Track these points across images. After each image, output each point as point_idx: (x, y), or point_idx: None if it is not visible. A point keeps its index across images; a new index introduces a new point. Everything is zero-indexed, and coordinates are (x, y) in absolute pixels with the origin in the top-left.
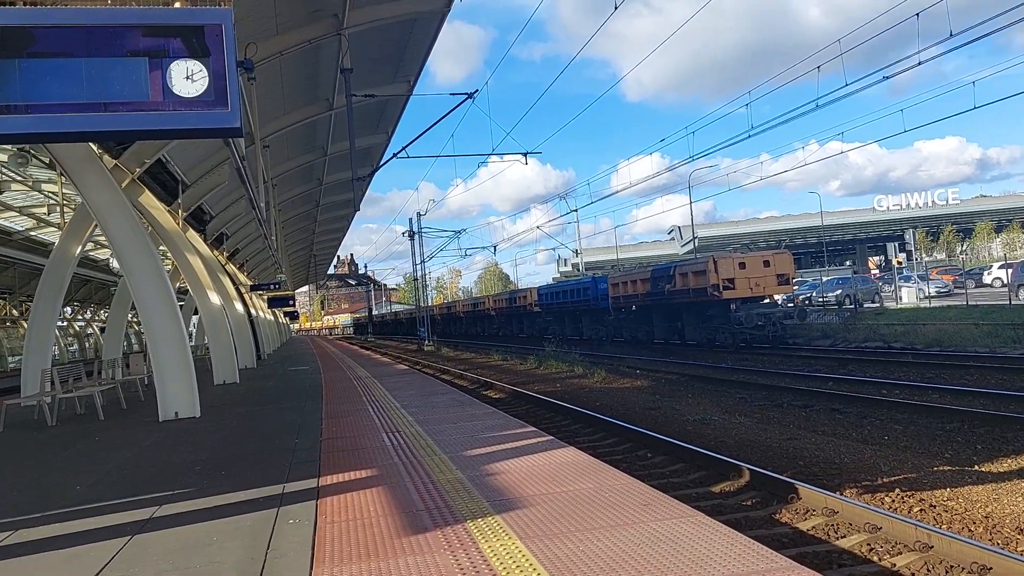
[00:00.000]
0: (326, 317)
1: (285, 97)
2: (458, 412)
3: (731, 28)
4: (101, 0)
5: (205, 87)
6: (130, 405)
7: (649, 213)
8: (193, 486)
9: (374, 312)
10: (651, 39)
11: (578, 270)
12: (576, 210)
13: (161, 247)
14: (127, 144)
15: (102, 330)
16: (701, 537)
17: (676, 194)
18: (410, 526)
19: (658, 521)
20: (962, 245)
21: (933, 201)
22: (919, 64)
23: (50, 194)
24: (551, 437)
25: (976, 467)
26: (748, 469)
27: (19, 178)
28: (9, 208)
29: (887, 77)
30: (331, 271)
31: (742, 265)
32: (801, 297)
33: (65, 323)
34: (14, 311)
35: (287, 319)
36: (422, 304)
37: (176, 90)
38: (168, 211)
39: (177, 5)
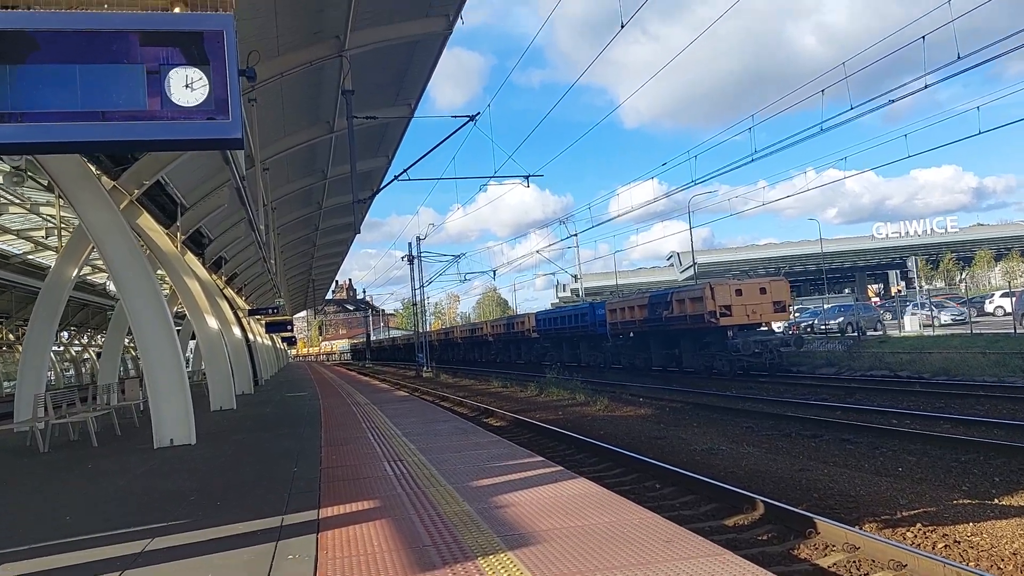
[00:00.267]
0: (324, 342)
1: (286, 119)
2: (461, 440)
3: (727, 56)
4: (96, 4)
5: (205, 96)
6: (125, 431)
7: (648, 239)
8: (188, 517)
9: (372, 338)
10: (648, 66)
11: (577, 295)
12: (576, 234)
13: (159, 270)
14: (126, 165)
15: (99, 355)
16: None
17: (674, 220)
18: (417, 563)
19: (683, 560)
20: (961, 273)
21: (932, 229)
22: (925, 87)
23: (48, 217)
24: (560, 467)
25: (997, 500)
26: (762, 501)
27: (16, 200)
28: (7, 231)
29: (892, 101)
30: (329, 296)
31: (739, 292)
32: (803, 325)
33: (62, 348)
34: (10, 335)
35: (285, 344)
36: (420, 330)
37: (175, 99)
38: (166, 234)
39: (176, 10)
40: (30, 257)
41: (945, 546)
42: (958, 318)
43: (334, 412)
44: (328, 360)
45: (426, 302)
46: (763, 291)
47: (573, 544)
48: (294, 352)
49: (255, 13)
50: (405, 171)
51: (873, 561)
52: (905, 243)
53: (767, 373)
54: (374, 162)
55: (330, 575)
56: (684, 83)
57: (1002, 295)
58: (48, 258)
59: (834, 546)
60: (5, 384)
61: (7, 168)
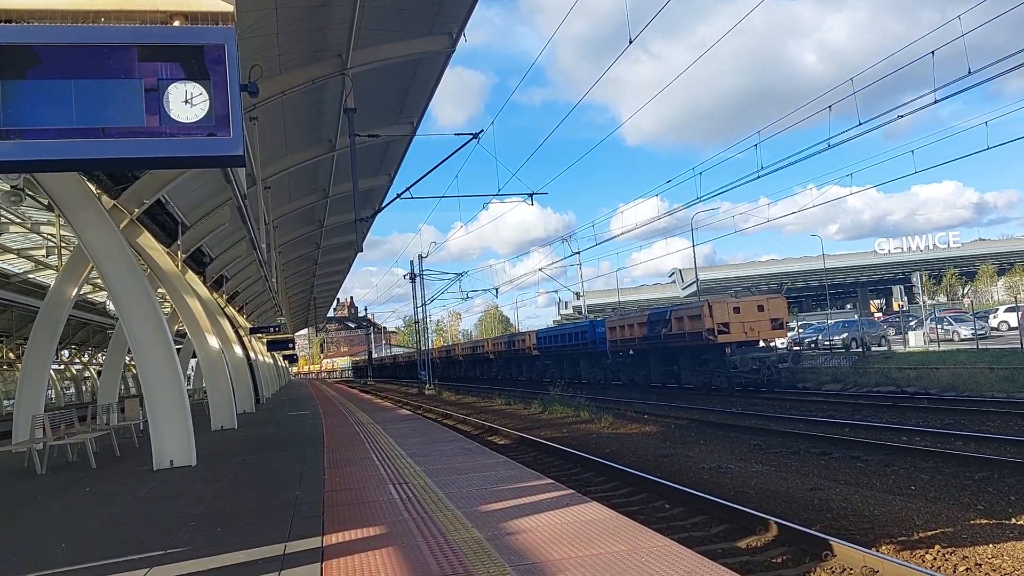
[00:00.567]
0: (325, 360)
1: (287, 137)
2: (468, 461)
3: (728, 75)
4: (93, 18)
5: (205, 112)
6: (124, 452)
7: (649, 256)
8: (187, 544)
9: (374, 355)
10: (650, 85)
11: (580, 313)
12: (579, 252)
13: (159, 289)
14: (126, 184)
15: (99, 373)
16: None
17: (676, 237)
18: None
19: None
20: (964, 288)
21: (934, 244)
22: (935, 102)
23: (48, 236)
24: (571, 491)
25: (1014, 520)
26: (775, 522)
27: (17, 219)
28: (7, 250)
29: (901, 116)
30: (331, 314)
31: (737, 309)
32: (807, 340)
33: (62, 366)
34: (11, 354)
35: (286, 362)
36: (423, 347)
37: (174, 115)
38: (167, 253)
39: (176, 23)
40: (30, 276)
41: (966, 568)
42: (978, 332)
43: (336, 432)
44: (330, 377)
45: (428, 320)
46: (761, 308)
47: (590, 575)
48: (295, 370)
49: (257, 31)
50: (408, 189)
51: None
52: (907, 258)
53: (765, 389)
54: (376, 180)
55: None
56: (686, 101)
57: (1006, 310)
58: (49, 277)
59: (852, 570)
60: (5, 403)
61: (6, 187)
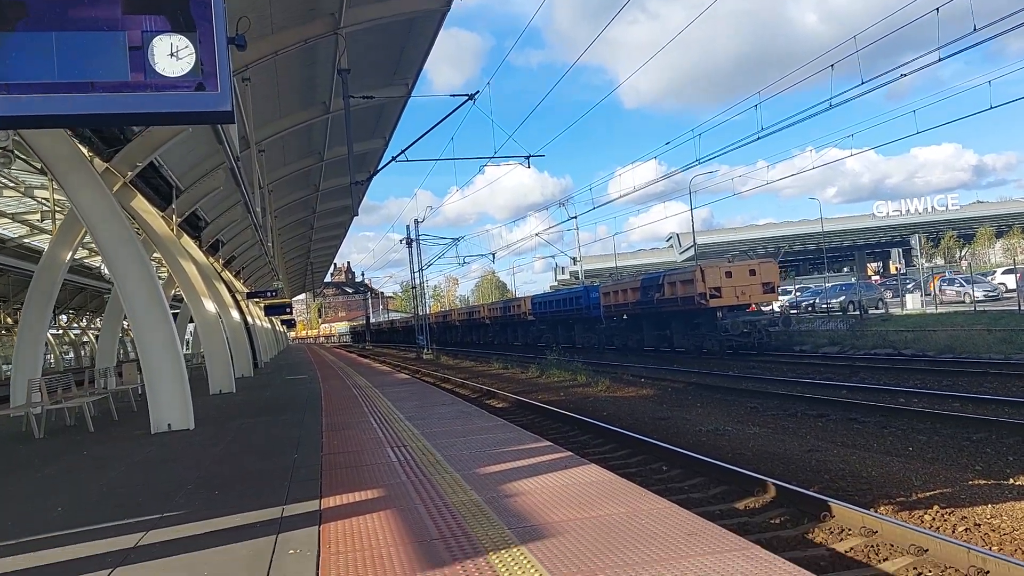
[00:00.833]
0: (323, 325)
1: (281, 100)
2: (466, 424)
3: (727, 35)
4: None
5: (191, 66)
6: (122, 416)
7: (647, 220)
8: (185, 508)
9: (372, 320)
10: (648, 46)
11: (576, 278)
12: (575, 217)
13: (155, 253)
14: (118, 146)
15: (98, 338)
16: (760, 574)
17: (674, 201)
18: (425, 558)
19: (708, 555)
20: (961, 251)
21: (932, 207)
22: (939, 60)
23: (43, 200)
24: (570, 453)
25: (1013, 480)
26: (774, 484)
27: (10, 183)
28: (2, 215)
29: (904, 75)
30: (328, 279)
31: (728, 274)
32: (804, 304)
33: (60, 331)
34: (8, 319)
35: (284, 327)
36: (420, 312)
37: (159, 69)
38: (162, 216)
39: None
40: (26, 241)
41: (965, 529)
42: (991, 294)
43: (335, 395)
44: (328, 342)
45: (425, 285)
46: (753, 273)
47: (589, 538)
48: (293, 335)
49: None
50: (403, 152)
51: (892, 546)
52: (905, 221)
53: (756, 352)
54: (371, 143)
55: (334, 573)
56: (685, 63)
57: (1004, 272)
58: (44, 241)
59: (850, 530)
60: (4, 367)
61: None
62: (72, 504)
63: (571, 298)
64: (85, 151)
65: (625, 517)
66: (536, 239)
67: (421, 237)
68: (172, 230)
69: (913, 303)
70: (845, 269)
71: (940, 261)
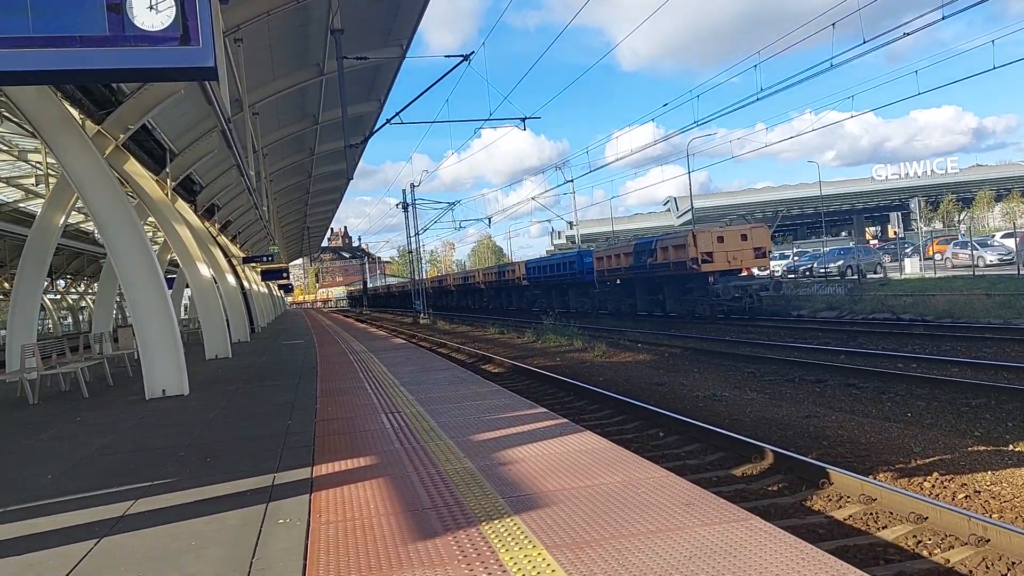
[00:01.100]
0: (321, 290)
1: (274, 61)
2: (461, 390)
3: None
4: None
5: (172, 19)
6: (118, 381)
7: (644, 184)
8: (175, 475)
9: (369, 285)
10: (647, 7)
11: (573, 242)
12: (572, 180)
13: (149, 217)
14: (110, 108)
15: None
16: (760, 547)
17: (671, 165)
18: (417, 529)
19: (705, 526)
20: (960, 214)
21: (932, 170)
22: (943, 18)
23: (36, 164)
24: (565, 420)
25: (1013, 447)
26: (771, 450)
27: (3, 147)
28: None
29: (907, 33)
30: (325, 244)
31: (720, 239)
32: (802, 268)
33: (59, 296)
34: (5, 284)
35: (281, 292)
36: (417, 277)
37: (138, 22)
38: (155, 180)
39: None
40: (21, 205)
41: (965, 496)
42: (1005, 258)
43: (330, 361)
44: (325, 307)
45: (422, 250)
46: (744, 238)
47: (584, 507)
48: (291, 299)
49: None
50: (397, 114)
51: (891, 513)
52: (905, 185)
53: (747, 316)
54: (366, 106)
55: (323, 543)
56: (683, 23)
57: (1003, 236)
58: (40, 206)
59: (849, 497)
60: (2, 332)
61: None
62: (63, 471)
63: (565, 263)
64: (76, 113)
65: (621, 486)
66: (532, 203)
67: (418, 201)
68: (166, 194)
69: (911, 267)
70: (843, 233)
71: (939, 225)
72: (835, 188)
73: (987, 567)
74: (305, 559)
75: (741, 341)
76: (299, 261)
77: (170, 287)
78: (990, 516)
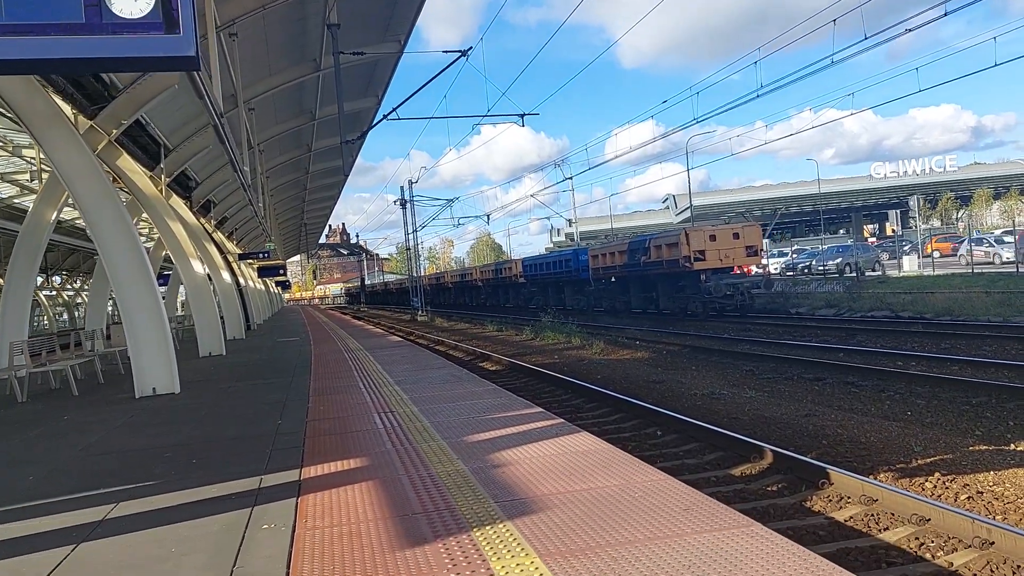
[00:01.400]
0: (318, 287)
1: (270, 57)
2: (456, 389)
3: None
4: None
5: (151, 6)
6: (109, 379)
7: (643, 182)
8: (160, 477)
9: (366, 282)
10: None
11: (572, 240)
12: (571, 178)
13: (143, 214)
14: (102, 103)
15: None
16: (761, 556)
17: (670, 162)
18: (405, 535)
19: (705, 533)
20: (958, 212)
21: (930, 168)
22: (945, 15)
23: (30, 160)
24: (561, 420)
25: (1015, 446)
26: (771, 450)
27: None
28: None
29: (909, 30)
30: (323, 240)
31: (712, 238)
32: (801, 266)
33: (54, 293)
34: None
35: (278, 288)
36: (415, 274)
37: (116, 9)
38: (150, 176)
39: None
40: (16, 201)
41: (968, 497)
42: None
43: (325, 358)
44: (322, 304)
45: (420, 247)
46: (736, 236)
47: (579, 512)
48: (288, 296)
49: None
50: (394, 110)
51: (893, 515)
52: (903, 183)
53: (739, 314)
54: (363, 102)
55: (308, 550)
56: (684, 21)
57: (1003, 233)
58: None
59: (850, 498)
60: None
61: None
62: (45, 472)
63: (561, 260)
64: (68, 108)
65: (618, 490)
66: (532, 200)
67: (416, 198)
68: (160, 190)
69: (910, 265)
70: (842, 231)
71: (937, 223)
72: (834, 186)
73: (991, 571)
74: (288, 567)
75: (739, 339)
76: (297, 258)
77: (164, 284)
78: (993, 518)
